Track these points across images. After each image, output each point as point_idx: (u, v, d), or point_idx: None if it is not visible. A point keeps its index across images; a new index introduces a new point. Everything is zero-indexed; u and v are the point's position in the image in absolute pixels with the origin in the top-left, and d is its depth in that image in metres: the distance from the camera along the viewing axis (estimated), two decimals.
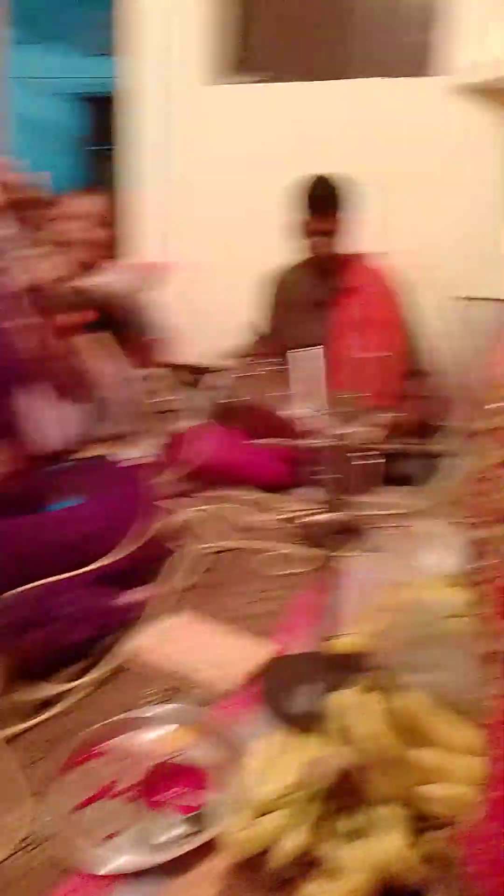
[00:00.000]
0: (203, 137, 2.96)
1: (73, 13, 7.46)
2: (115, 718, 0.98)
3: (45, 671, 1.09)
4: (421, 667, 0.88)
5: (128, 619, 1.25)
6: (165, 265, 2.32)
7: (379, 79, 2.72)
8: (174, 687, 1.10)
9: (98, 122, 7.66)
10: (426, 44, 2.70)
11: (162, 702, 1.05)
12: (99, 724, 0.96)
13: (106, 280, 1.99)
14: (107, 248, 2.13)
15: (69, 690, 1.07)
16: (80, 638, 1.14)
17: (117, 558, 1.25)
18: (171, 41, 2.92)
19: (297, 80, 2.82)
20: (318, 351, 1.26)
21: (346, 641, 1.09)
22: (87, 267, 2.12)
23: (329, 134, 2.70)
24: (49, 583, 1.17)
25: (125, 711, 1.01)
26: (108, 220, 2.11)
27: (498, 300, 2.20)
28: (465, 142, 2.64)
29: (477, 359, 1.90)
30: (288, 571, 1.49)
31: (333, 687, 0.87)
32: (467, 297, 2.21)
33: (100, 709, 1.04)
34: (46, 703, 1.05)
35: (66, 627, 1.14)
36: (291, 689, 1.02)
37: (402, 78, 2.70)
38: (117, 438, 2.20)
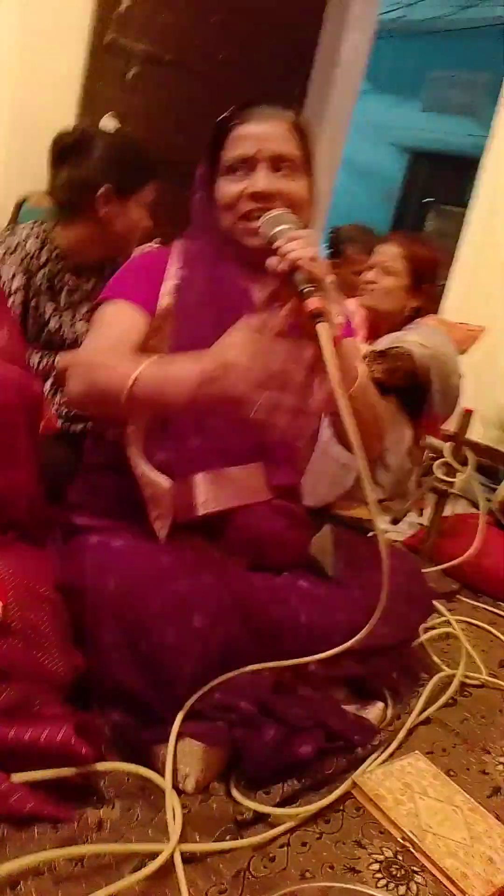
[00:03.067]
0: None
1: (421, 70, 7.65)
2: (335, 886, 0.80)
3: (260, 781, 0.95)
4: None
5: (357, 740, 1.06)
6: (478, 328, 2.10)
7: None
8: (404, 849, 0.90)
9: (428, 176, 7.69)
10: None
11: (387, 869, 0.85)
12: (312, 885, 0.79)
13: (413, 339, 1.84)
14: (410, 300, 1.98)
15: (284, 814, 0.92)
16: (307, 751, 0.97)
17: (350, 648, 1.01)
18: None
19: None
20: None
21: None
22: (388, 319, 1.99)
23: None
24: (281, 668, 1.04)
25: (344, 861, 0.84)
26: (406, 271, 1.94)
27: None
28: None
29: None
30: None
31: None
32: None
33: (315, 850, 0.88)
34: (254, 821, 0.90)
35: (293, 732, 0.98)
36: None
37: None
38: (382, 505, 2.05)
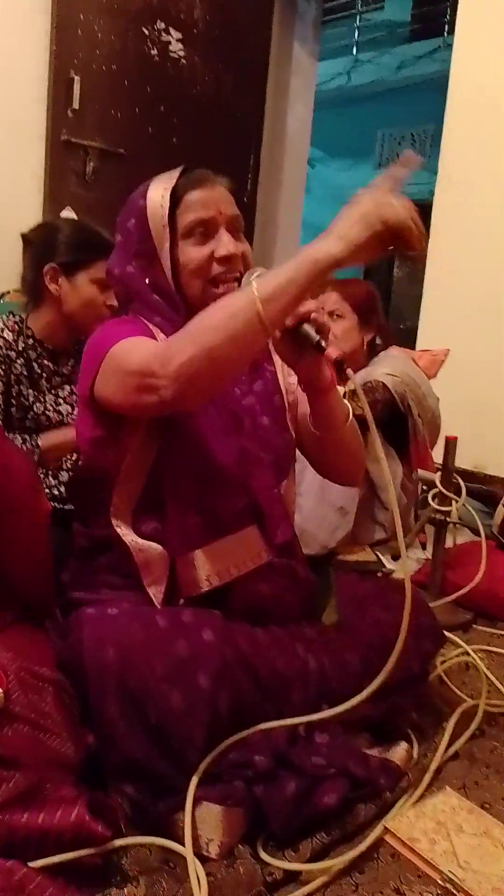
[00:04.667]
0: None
1: (369, 131, 8.01)
2: None
3: (287, 838, 0.91)
4: None
5: (384, 784, 1.02)
6: (442, 352, 2.13)
7: None
8: (445, 890, 0.86)
9: None
10: None
11: None
12: None
13: (381, 370, 1.87)
14: (365, 335, 2.01)
15: (316, 870, 0.88)
16: (331, 801, 0.94)
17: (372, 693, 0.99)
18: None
19: None
20: None
21: None
22: (352, 358, 2.01)
23: None
24: (300, 723, 1.01)
25: None
26: (351, 310, 1.99)
27: None
28: None
29: None
30: None
31: None
32: None
33: None
34: (285, 881, 0.86)
35: (315, 783, 0.95)
36: None
37: None
38: (382, 544, 2.03)
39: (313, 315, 0.98)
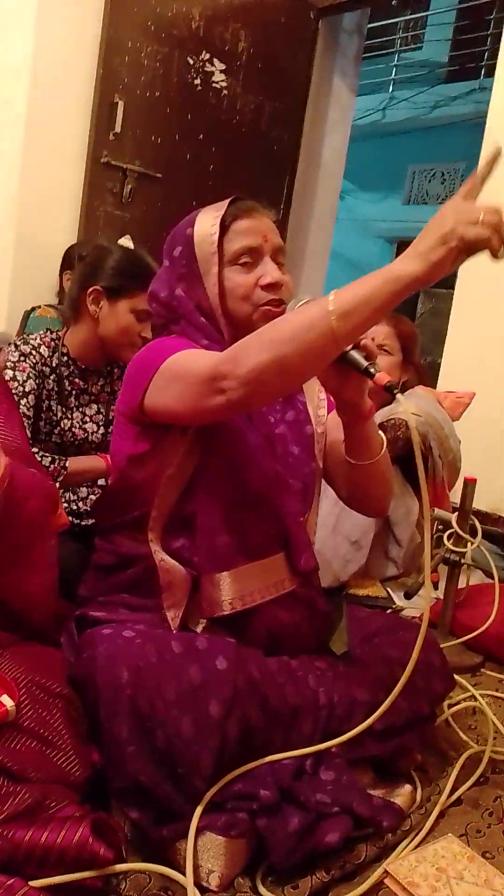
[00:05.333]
0: None
1: (400, 166, 8.12)
2: None
3: (287, 873, 0.91)
4: None
5: (387, 826, 1.02)
6: (467, 395, 2.14)
7: None
8: None
9: None
10: None
11: None
12: None
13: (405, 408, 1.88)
14: (402, 375, 2.03)
15: None
16: (333, 839, 0.93)
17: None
18: None
19: None
20: None
21: None
22: (380, 395, 2.03)
23: None
24: (307, 759, 1.01)
25: None
26: (399, 347, 2.01)
27: None
28: None
29: None
30: None
31: None
32: None
33: None
34: None
35: (318, 820, 0.95)
36: None
37: None
38: (393, 580, 2.03)
39: (363, 342, 0.99)
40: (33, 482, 1.08)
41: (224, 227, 1.14)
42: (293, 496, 1.18)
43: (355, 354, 0.98)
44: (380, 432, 1.17)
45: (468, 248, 0.87)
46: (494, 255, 0.88)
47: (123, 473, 1.18)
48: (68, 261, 2.53)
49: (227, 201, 1.16)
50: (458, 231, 0.86)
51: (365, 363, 0.98)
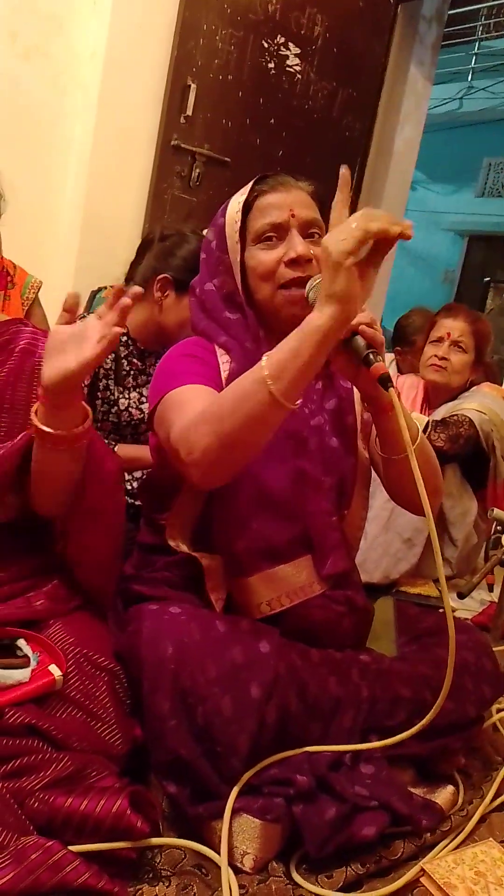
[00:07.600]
0: None
1: (474, 158, 7.90)
2: None
3: (322, 862, 0.90)
4: None
5: (426, 825, 1.00)
6: None
7: None
8: None
9: (485, 257, 7.84)
10: None
11: None
12: None
13: (470, 405, 1.83)
14: (472, 374, 1.99)
15: None
16: (370, 833, 0.92)
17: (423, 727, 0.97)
18: None
19: None
20: None
21: None
22: (447, 391, 1.99)
23: None
24: (350, 751, 1.00)
25: None
26: (474, 346, 1.96)
27: None
28: None
29: None
30: None
31: None
32: None
33: None
34: None
35: (355, 812, 0.94)
36: None
37: None
38: (451, 582, 1.98)
39: (361, 327, 0.93)
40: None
41: (248, 206, 1.09)
42: (323, 495, 1.13)
43: (359, 341, 0.93)
44: (415, 424, 1.10)
45: (361, 258, 0.86)
46: (392, 239, 0.87)
47: (158, 464, 1.18)
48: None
49: (255, 179, 1.12)
50: (339, 248, 0.84)
51: (364, 351, 0.92)
